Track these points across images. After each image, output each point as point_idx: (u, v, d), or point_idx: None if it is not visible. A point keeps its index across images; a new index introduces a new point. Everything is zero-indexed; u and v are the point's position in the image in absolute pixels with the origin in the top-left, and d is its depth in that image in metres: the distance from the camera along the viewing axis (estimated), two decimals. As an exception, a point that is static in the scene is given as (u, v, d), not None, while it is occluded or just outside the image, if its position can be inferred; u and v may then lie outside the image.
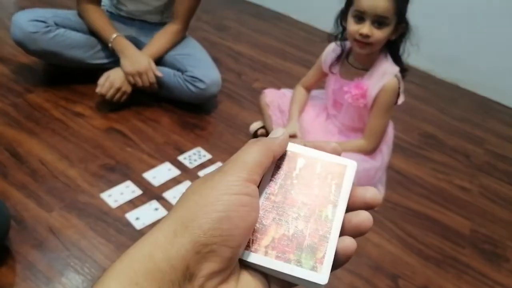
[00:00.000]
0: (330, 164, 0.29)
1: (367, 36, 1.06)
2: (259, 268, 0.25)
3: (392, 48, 1.16)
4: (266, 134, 1.38)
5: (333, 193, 0.28)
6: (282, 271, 0.25)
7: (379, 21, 1.06)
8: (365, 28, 1.06)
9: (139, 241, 0.23)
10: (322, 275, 0.24)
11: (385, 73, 1.14)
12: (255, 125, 1.41)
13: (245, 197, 0.24)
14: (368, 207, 0.28)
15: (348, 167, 0.29)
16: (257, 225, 0.26)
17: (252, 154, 0.26)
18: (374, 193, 0.28)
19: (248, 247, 0.25)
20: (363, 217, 0.27)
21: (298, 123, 1.26)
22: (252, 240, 0.26)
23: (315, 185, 0.28)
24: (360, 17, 1.07)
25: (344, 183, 0.28)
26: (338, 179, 0.28)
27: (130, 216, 1.06)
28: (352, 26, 1.09)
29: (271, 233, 0.26)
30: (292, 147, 0.30)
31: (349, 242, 0.26)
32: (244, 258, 0.25)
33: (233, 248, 0.23)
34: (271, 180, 0.28)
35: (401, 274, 1.08)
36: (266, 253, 0.25)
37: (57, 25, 1.37)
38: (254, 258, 0.25)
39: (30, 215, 1.01)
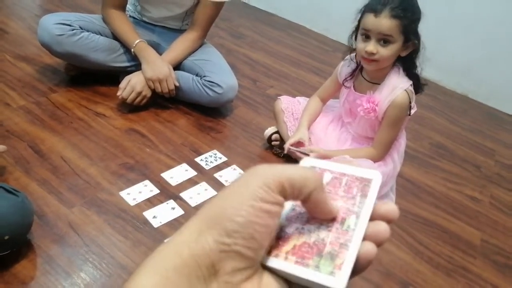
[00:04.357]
0: (356, 178, 0.30)
1: (372, 54, 1.11)
2: (279, 272, 0.26)
3: (405, 63, 1.18)
4: (280, 139, 1.41)
5: (357, 204, 0.28)
6: (300, 275, 0.25)
7: (384, 39, 1.10)
8: (370, 46, 1.11)
9: (168, 239, 0.25)
10: (340, 280, 0.24)
11: (395, 88, 1.16)
12: (269, 130, 1.44)
13: (268, 205, 0.25)
14: (385, 220, 0.27)
15: (374, 180, 0.29)
16: (281, 233, 0.28)
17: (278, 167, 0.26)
18: (391, 207, 0.27)
19: (270, 253, 0.26)
20: (380, 228, 0.27)
21: (307, 131, 1.29)
22: (275, 246, 0.27)
23: (340, 197, 0.29)
24: (366, 35, 1.12)
25: (369, 195, 0.28)
26: (363, 191, 0.29)
27: (148, 214, 1.08)
28: (360, 43, 1.14)
29: (293, 241, 0.27)
30: (319, 163, 0.31)
31: (370, 247, 0.26)
32: (265, 263, 0.26)
33: (254, 250, 0.24)
34: None
35: (412, 282, 1.09)
36: (286, 258, 0.26)
37: (82, 28, 1.41)
38: (274, 263, 0.26)
39: (51, 211, 1.03)
